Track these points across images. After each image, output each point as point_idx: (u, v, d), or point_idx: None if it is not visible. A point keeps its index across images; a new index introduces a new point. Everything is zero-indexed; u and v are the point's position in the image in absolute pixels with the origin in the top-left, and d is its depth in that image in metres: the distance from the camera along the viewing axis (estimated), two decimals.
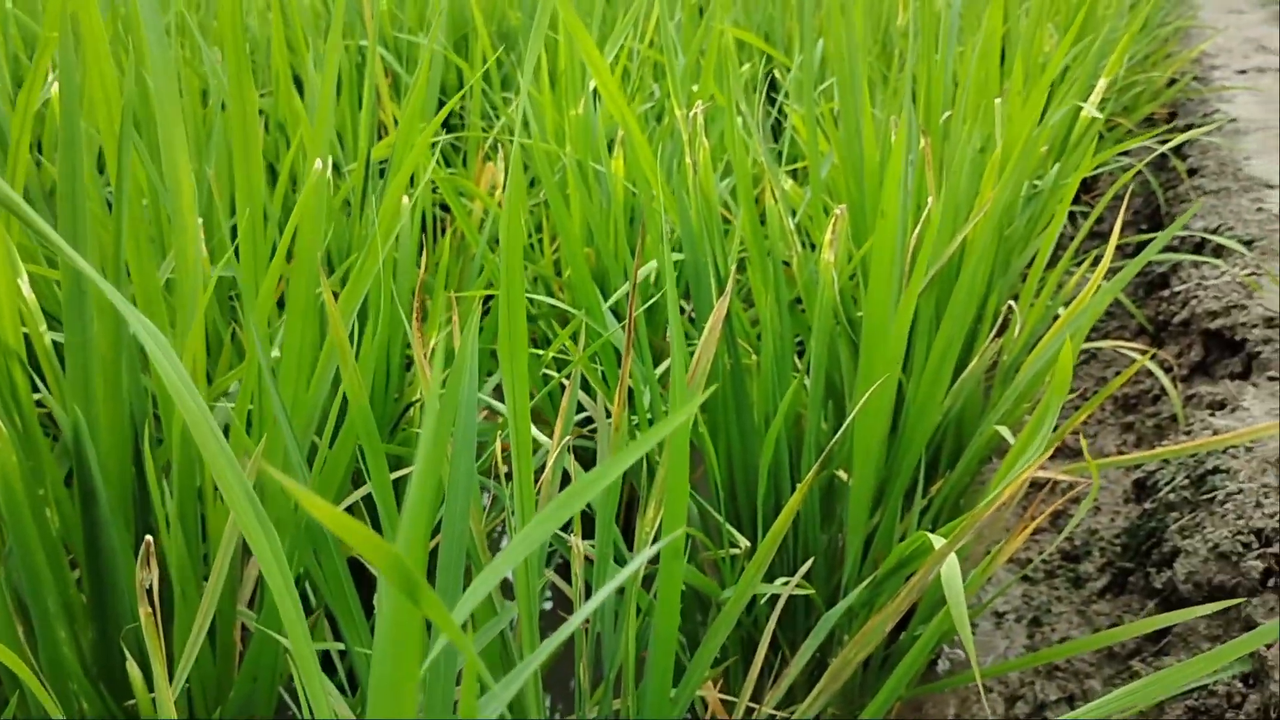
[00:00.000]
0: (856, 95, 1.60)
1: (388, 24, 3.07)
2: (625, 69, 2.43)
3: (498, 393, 1.86)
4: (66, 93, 0.90)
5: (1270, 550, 1.44)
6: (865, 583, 1.21)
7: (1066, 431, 1.71)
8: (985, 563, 1.31)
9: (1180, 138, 2.41)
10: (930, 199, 1.25)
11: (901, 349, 1.17)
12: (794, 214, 2.26)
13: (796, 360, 1.48)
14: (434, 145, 2.32)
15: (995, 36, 1.98)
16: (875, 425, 1.24)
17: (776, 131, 2.96)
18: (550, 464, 1.06)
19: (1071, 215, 3.20)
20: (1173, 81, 4.78)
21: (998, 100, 1.56)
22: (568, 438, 1.00)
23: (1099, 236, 3.47)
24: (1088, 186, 3.68)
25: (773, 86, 3.35)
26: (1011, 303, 1.48)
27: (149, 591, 0.67)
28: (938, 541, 1.01)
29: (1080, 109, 2.51)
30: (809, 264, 1.52)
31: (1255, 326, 2.11)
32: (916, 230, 1.22)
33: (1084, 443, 1.24)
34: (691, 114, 1.28)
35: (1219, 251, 2.55)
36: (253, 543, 0.54)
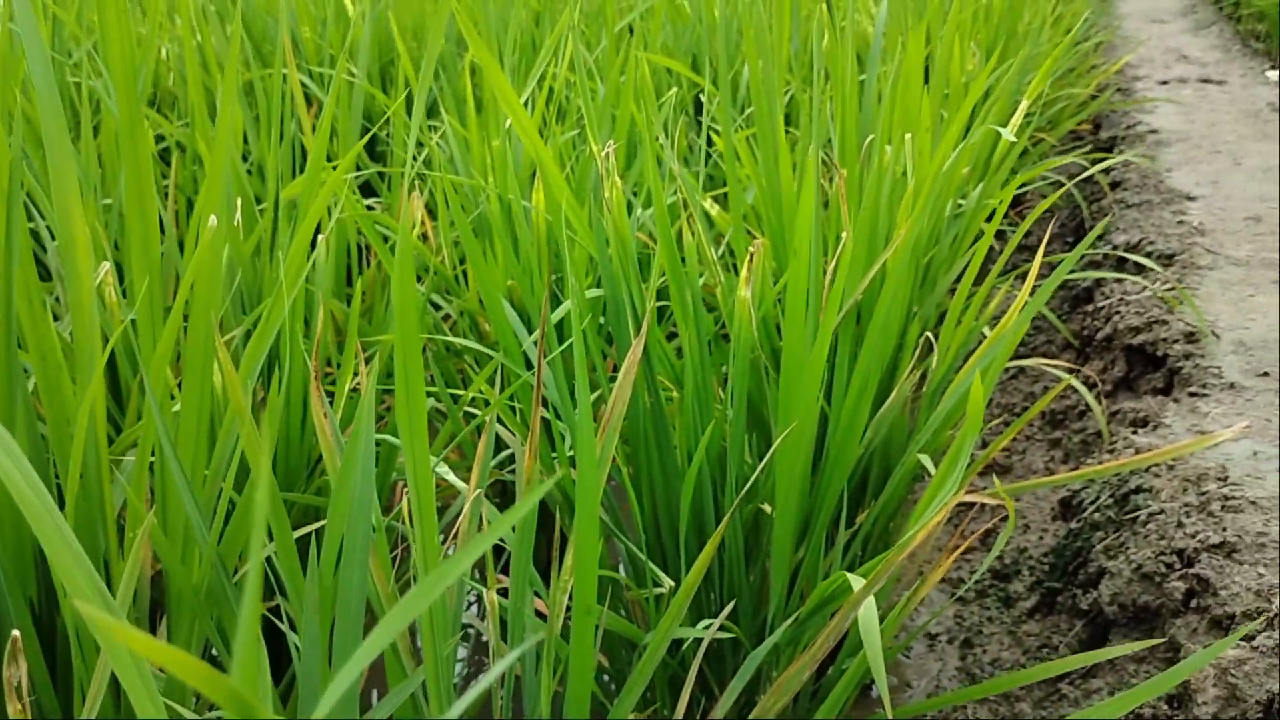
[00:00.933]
0: (774, 124, 1.60)
1: (311, 52, 3.04)
2: (552, 91, 2.43)
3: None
4: None
5: (1192, 571, 1.46)
6: (790, 620, 1.20)
7: (993, 452, 1.72)
8: (912, 591, 1.31)
9: (1102, 165, 2.45)
10: (846, 233, 1.25)
11: (818, 385, 1.17)
12: (721, 240, 2.26)
13: (724, 393, 1.48)
14: (357, 177, 2.30)
15: (917, 60, 2.00)
16: (796, 459, 1.23)
17: (711, 153, 2.97)
18: (466, 512, 1.04)
19: (1001, 230, 3.23)
20: (1097, 94, 4.86)
21: (907, 136, 1.57)
22: (478, 491, 0.98)
23: (1027, 249, 3.51)
24: (1016, 201, 3.73)
25: (702, 108, 3.35)
26: (930, 335, 1.48)
27: (18, 689, 0.64)
28: (856, 582, 1.00)
29: (1014, 117, 2.55)
30: (731, 294, 1.52)
31: (1176, 342, 2.14)
32: (833, 264, 1.22)
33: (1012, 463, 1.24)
34: (605, 153, 1.27)
35: (1142, 266, 2.59)
36: (112, 659, 0.52)
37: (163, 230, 1.80)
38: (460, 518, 1.05)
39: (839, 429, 1.28)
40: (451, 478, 1.19)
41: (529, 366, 1.54)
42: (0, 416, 0.95)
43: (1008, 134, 1.81)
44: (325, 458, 0.83)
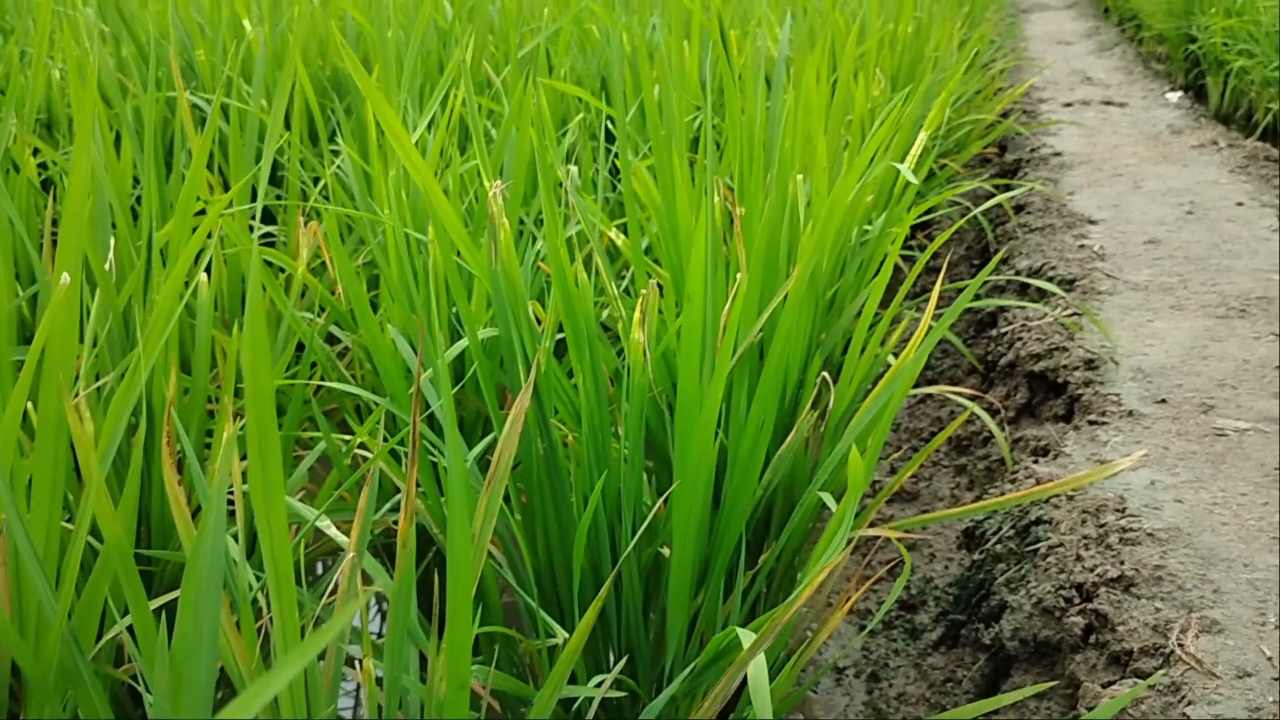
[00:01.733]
0: (670, 156, 1.57)
1: (208, 76, 2.96)
2: (454, 116, 2.38)
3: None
4: None
5: (1091, 606, 1.46)
6: (688, 670, 1.18)
7: (899, 483, 1.71)
8: (809, 642, 1.30)
9: (1006, 196, 2.47)
10: (740, 275, 1.23)
11: (713, 429, 1.14)
12: (625, 272, 2.23)
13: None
14: (253, 207, 2.23)
15: (817, 89, 2.00)
16: (692, 503, 1.21)
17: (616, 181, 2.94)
18: (345, 573, 1.00)
19: (911, 255, 3.25)
20: (1004, 116, 4.94)
21: (800, 177, 1.56)
22: (351, 555, 0.94)
23: (936, 271, 3.54)
24: (925, 224, 3.76)
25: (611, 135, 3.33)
26: (826, 375, 1.47)
27: None
28: (746, 637, 0.98)
29: (913, 148, 2.56)
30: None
31: (1077, 369, 2.17)
32: (727, 306, 1.20)
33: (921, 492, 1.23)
34: (493, 193, 1.23)
35: (1044, 291, 2.62)
36: None
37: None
38: (344, 570, 1.01)
39: (736, 471, 1.26)
40: (333, 532, 1.14)
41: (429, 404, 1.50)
42: None
43: (905, 170, 1.81)
44: (180, 532, 0.78)
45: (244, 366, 0.65)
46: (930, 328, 2.50)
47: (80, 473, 1.20)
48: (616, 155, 2.69)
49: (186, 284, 1.47)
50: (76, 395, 1.19)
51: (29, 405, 1.17)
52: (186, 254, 1.03)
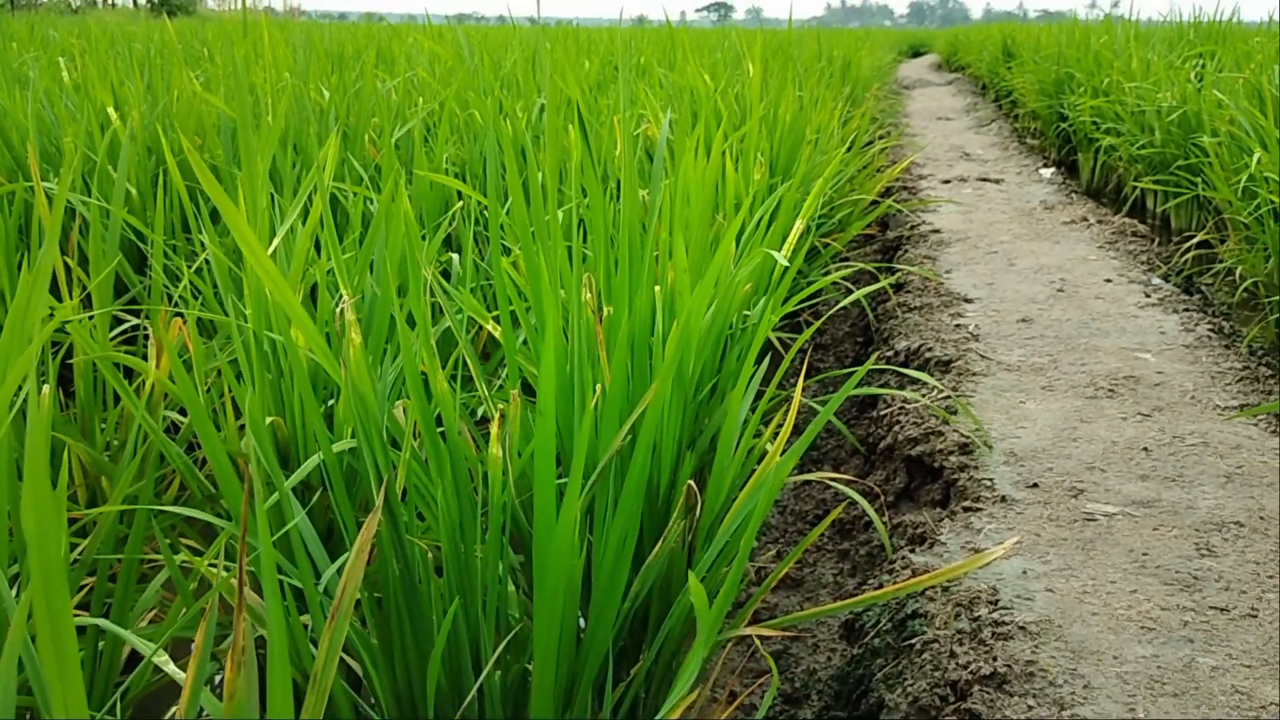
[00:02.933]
0: (537, 256, 1.56)
1: (77, 165, 2.88)
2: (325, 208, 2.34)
3: None
4: None
5: (965, 705, 1.45)
6: None
7: (779, 576, 1.70)
8: None
9: (885, 283, 2.50)
10: (601, 385, 1.21)
11: (570, 547, 1.11)
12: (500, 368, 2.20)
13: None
14: (114, 307, 2.16)
15: (691, 180, 2.01)
16: (552, 619, 1.17)
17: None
18: (182, 707, 0.94)
19: (796, 335, 3.29)
20: (886, 193, 5.06)
21: (657, 289, 1.55)
22: (177, 708, 0.89)
23: (821, 349, 3.59)
24: (811, 304, 3.81)
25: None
26: (693, 484, 1.45)
27: None
28: None
29: (790, 235, 2.59)
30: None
31: (951, 454, 2.19)
32: (582, 418, 1.18)
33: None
34: (338, 309, 1.20)
35: (923, 369, 2.66)
36: None
37: None
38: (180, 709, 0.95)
39: (599, 588, 1.23)
40: (171, 669, 1.08)
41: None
42: None
43: (781, 258, 1.82)
44: None
45: (26, 533, 0.60)
46: (810, 408, 2.51)
47: None
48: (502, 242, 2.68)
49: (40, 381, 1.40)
50: None
51: None
52: (16, 372, 0.98)
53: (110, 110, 2.88)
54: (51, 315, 1.68)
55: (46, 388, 1.30)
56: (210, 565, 1.31)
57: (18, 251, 2.22)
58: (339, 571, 1.34)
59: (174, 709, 1.16)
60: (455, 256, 2.65)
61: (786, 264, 1.83)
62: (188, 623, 1.26)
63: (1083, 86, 6.68)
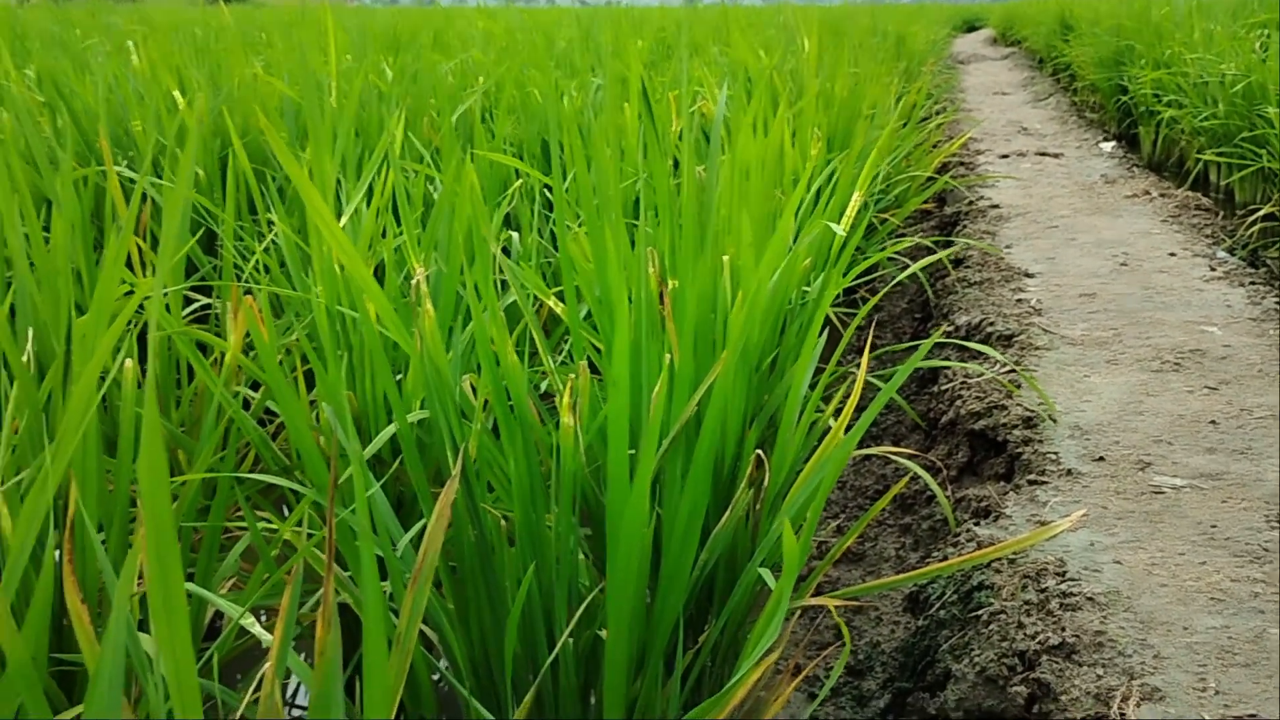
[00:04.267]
0: (602, 227, 1.57)
1: (143, 145, 2.93)
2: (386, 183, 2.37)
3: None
4: None
5: (1033, 675, 1.45)
6: None
7: (842, 549, 1.71)
8: (763, 712, 1.28)
9: (946, 254, 2.49)
10: (672, 354, 1.22)
11: (643, 515, 1.13)
12: (568, 338, 2.22)
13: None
14: (187, 285, 2.21)
15: (750, 156, 2.01)
16: (625, 588, 1.19)
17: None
18: (269, 676, 0.97)
19: (853, 311, 3.28)
20: (943, 168, 5.02)
21: (725, 258, 1.56)
22: (269, 665, 0.91)
23: (878, 326, 3.57)
24: (868, 280, 3.80)
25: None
26: (761, 452, 1.46)
27: None
28: None
29: (848, 209, 2.58)
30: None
31: (1015, 427, 2.18)
32: (656, 389, 1.19)
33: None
34: (414, 281, 1.22)
35: (984, 344, 2.64)
36: None
37: None
38: (268, 669, 0.99)
39: (671, 556, 1.25)
40: (257, 630, 1.12)
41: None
42: None
43: (839, 230, 1.82)
44: (85, 656, 0.76)
45: (141, 492, 0.63)
46: (870, 384, 2.50)
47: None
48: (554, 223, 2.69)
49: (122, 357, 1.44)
50: None
51: None
52: (104, 345, 1.01)
53: (176, 94, 2.93)
54: (130, 294, 1.72)
55: (130, 361, 1.34)
56: (292, 532, 1.34)
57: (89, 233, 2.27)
58: (412, 544, 1.37)
59: (263, 668, 1.19)
60: (515, 235, 2.67)
61: (845, 235, 1.83)
62: (270, 589, 1.29)
63: (1143, 58, 6.57)
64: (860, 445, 2.70)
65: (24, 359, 1.23)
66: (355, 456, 0.86)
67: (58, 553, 1.12)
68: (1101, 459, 2.05)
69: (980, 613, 1.64)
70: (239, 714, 1.03)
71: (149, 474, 0.62)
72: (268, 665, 0.91)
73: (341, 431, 1.41)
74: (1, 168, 1.52)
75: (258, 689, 1.14)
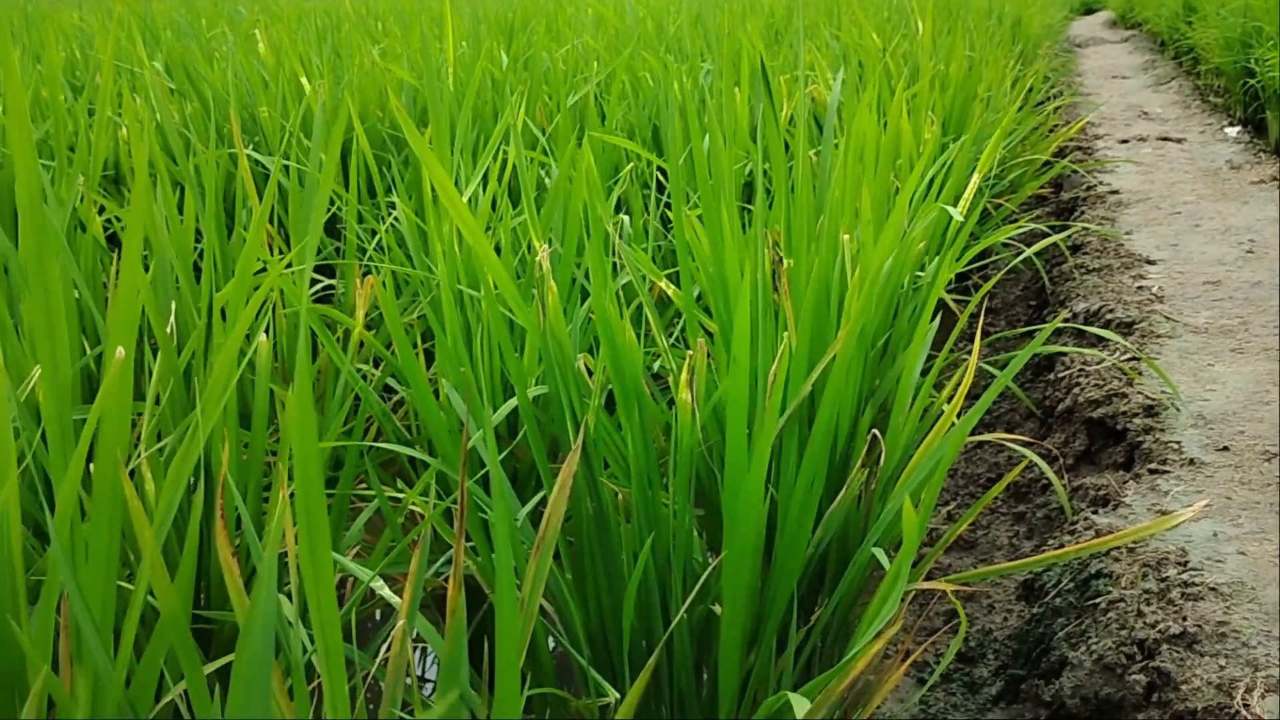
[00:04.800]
0: (718, 208, 1.58)
1: (271, 130, 3.03)
2: (507, 167, 2.41)
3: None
4: None
5: (1153, 663, 1.43)
6: None
7: (957, 532, 1.70)
8: (865, 705, 1.28)
9: (1062, 235, 2.45)
10: (788, 334, 1.23)
11: (760, 493, 1.14)
12: (677, 320, 2.24)
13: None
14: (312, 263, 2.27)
15: (866, 136, 2.00)
16: (741, 563, 1.20)
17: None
18: (396, 637, 1.01)
19: (966, 298, 3.23)
20: (1059, 154, 4.90)
21: (845, 237, 1.56)
22: (402, 623, 0.95)
23: (992, 313, 3.52)
24: (981, 266, 3.74)
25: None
26: (877, 432, 1.46)
27: None
28: (799, 704, 0.97)
29: (965, 192, 2.55)
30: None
31: (1136, 416, 2.13)
32: (774, 366, 1.20)
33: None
34: (538, 258, 1.25)
35: (1101, 335, 2.58)
36: None
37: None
38: (396, 632, 1.02)
39: (787, 531, 1.26)
40: (386, 593, 1.16)
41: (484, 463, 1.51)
42: None
43: (956, 214, 1.80)
44: (234, 605, 0.80)
45: (293, 445, 0.66)
46: (987, 372, 2.47)
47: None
48: (667, 204, 2.71)
49: (249, 339, 1.50)
50: (138, 456, 1.22)
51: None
52: (245, 317, 1.06)
53: (303, 80, 3.01)
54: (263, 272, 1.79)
55: (264, 337, 1.39)
56: (418, 500, 1.38)
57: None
58: (528, 519, 1.40)
59: (389, 631, 1.23)
60: (625, 218, 2.69)
61: (962, 219, 1.81)
62: (394, 559, 1.33)
63: (1272, 40, 6.32)
64: (973, 433, 2.66)
65: (167, 330, 1.29)
66: (487, 423, 0.89)
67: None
68: (1226, 449, 2.00)
69: (1098, 600, 1.61)
70: (370, 673, 1.07)
71: (300, 433, 0.65)
72: (399, 624, 0.95)
73: (460, 401, 1.44)
74: (140, 151, 1.59)
75: (379, 653, 1.18)
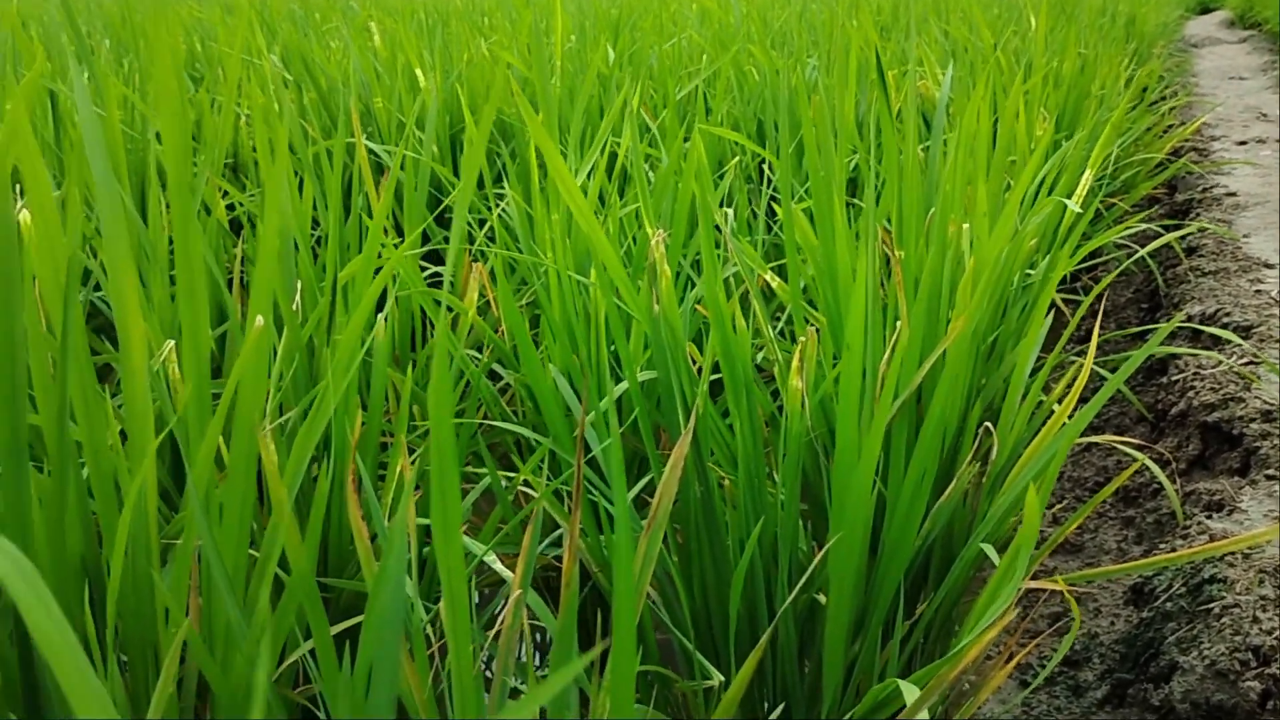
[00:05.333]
0: (829, 200, 1.58)
1: (384, 122, 3.09)
2: (615, 159, 2.44)
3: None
4: (3, 244, 0.89)
5: (1269, 670, 1.39)
6: None
7: (1064, 534, 1.67)
8: (971, 701, 1.27)
9: (1177, 234, 2.39)
10: (900, 322, 1.22)
11: (869, 481, 1.14)
12: (784, 311, 2.24)
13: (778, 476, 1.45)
14: (422, 251, 2.32)
15: (979, 131, 1.98)
16: (849, 555, 1.20)
17: (772, 223, 2.96)
18: (509, 610, 1.03)
19: (1078, 300, 3.17)
20: (1173, 157, 4.78)
21: (965, 226, 1.54)
22: (519, 593, 0.97)
23: (1100, 316, 3.44)
24: (1090, 268, 3.66)
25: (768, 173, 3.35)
26: (989, 425, 1.45)
27: None
28: (909, 691, 0.97)
29: (1078, 189, 2.51)
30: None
31: (1253, 420, 2.08)
32: (886, 356, 1.20)
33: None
34: (654, 241, 1.26)
35: (1217, 339, 2.52)
36: None
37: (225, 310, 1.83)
38: (508, 608, 1.04)
39: (895, 522, 1.25)
40: (499, 567, 1.18)
41: (589, 446, 1.53)
42: (51, 499, 0.96)
43: (1073, 205, 1.77)
44: (362, 563, 0.83)
45: (430, 412, 0.68)
46: (1095, 374, 2.43)
47: (265, 501, 1.27)
48: (771, 198, 2.71)
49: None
50: (264, 430, 1.26)
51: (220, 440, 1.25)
52: (369, 296, 1.09)
53: (418, 72, 3.07)
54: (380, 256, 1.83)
55: (382, 318, 1.43)
56: (530, 477, 1.41)
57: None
58: (633, 503, 1.42)
59: (501, 604, 1.26)
60: (729, 212, 2.70)
61: (1079, 209, 1.78)
62: (503, 537, 1.36)
63: None
64: (1081, 435, 2.61)
65: (293, 307, 1.33)
66: (610, 397, 0.90)
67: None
68: None
69: (1211, 605, 1.57)
70: (484, 646, 1.09)
71: (437, 403, 0.67)
72: (514, 594, 0.97)
73: (566, 385, 1.47)
74: (263, 140, 1.64)
75: (493, 628, 1.21)
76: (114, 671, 0.93)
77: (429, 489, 1.49)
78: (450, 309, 1.99)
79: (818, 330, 1.67)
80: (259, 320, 0.87)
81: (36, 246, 0.98)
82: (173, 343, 1.37)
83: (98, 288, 2.23)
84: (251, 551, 1.18)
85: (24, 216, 1.23)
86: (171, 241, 1.84)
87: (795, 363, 1.21)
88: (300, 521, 1.23)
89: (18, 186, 1.63)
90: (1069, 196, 2.44)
